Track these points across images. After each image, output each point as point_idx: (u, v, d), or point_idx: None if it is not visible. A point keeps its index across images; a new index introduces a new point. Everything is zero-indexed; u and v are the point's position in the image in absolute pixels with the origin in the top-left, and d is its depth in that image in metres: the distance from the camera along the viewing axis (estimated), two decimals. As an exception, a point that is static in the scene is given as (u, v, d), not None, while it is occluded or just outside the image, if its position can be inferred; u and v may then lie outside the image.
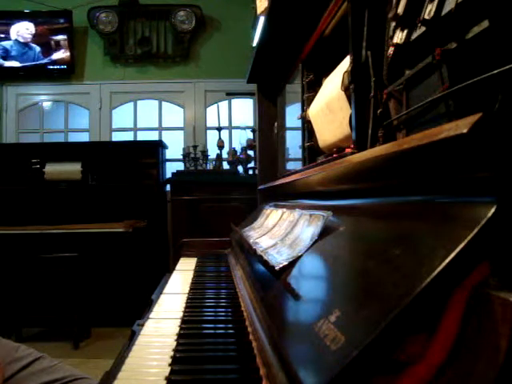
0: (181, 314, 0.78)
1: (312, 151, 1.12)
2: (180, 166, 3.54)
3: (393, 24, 0.58)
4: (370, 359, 0.31)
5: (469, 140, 0.31)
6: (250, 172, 3.33)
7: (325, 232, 0.62)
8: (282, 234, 0.84)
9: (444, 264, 0.30)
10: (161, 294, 0.97)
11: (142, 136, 3.85)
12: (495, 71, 0.37)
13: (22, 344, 0.95)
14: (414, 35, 0.53)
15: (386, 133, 0.62)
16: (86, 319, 2.80)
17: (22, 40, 3.65)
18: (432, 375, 0.30)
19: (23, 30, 3.65)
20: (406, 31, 0.55)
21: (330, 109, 0.89)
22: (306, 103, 1.12)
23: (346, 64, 0.79)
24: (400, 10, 0.56)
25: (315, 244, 0.62)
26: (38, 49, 3.67)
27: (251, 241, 0.95)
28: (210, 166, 3.45)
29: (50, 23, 3.68)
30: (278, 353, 0.46)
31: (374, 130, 0.65)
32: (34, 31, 3.67)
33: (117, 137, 3.86)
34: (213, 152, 3.50)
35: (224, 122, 3.76)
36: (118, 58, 3.77)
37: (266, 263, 0.70)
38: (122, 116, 3.89)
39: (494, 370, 0.26)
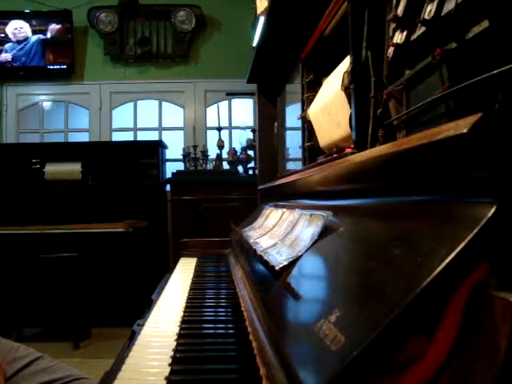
0: (181, 314, 0.78)
1: (312, 151, 1.12)
2: (180, 166, 3.54)
3: (392, 26, 0.58)
4: (370, 359, 0.31)
5: (469, 140, 0.31)
6: (250, 172, 3.33)
7: (325, 232, 0.62)
8: (282, 234, 0.84)
9: (444, 264, 0.30)
10: (161, 293, 0.97)
11: (142, 136, 3.85)
12: (495, 71, 0.37)
13: (21, 344, 0.95)
14: (414, 35, 0.53)
15: (386, 133, 0.62)
16: (86, 319, 2.80)
17: (14, 39, 3.65)
18: (432, 375, 0.30)
19: (17, 28, 3.65)
20: (405, 32, 0.55)
21: (330, 109, 0.89)
22: (306, 103, 1.12)
23: (345, 64, 0.79)
24: (399, 11, 0.56)
25: (315, 244, 0.62)
26: (35, 43, 3.67)
27: (251, 241, 0.95)
28: (210, 166, 3.45)
29: (49, 23, 3.68)
30: (278, 353, 0.46)
31: (374, 130, 0.65)
32: (27, 29, 3.66)
33: (117, 137, 3.86)
34: (213, 152, 3.50)
35: (224, 122, 3.76)
36: (118, 58, 3.77)
37: (266, 263, 0.70)
38: (122, 116, 3.89)
39: (494, 370, 0.26)
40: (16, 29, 3.65)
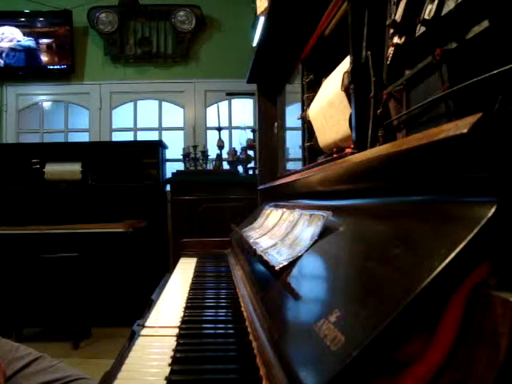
0: (181, 314, 0.78)
1: (312, 151, 1.12)
2: (180, 166, 3.54)
3: (390, 31, 0.58)
4: (370, 359, 0.31)
5: (469, 140, 0.31)
6: (250, 172, 3.33)
7: (325, 232, 0.62)
8: (282, 234, 0.84)
9: (444, 264, 0.30)
10: (161, 293, 0.97)
11: (142, 136, 3.85)
12: (495, 71, 0.37)
13: (21, 344, 0.95)
14: (414, 36, 0.53)
15: (386, 133, 0.62)
16: (86, 319, 2.80)
17: (6, 46, 3.64)
18: (432, 375, 0.30)
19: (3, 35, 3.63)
20: (403, 38, 0.55)
21: (329, 109, 0.89)
22: (306, 103, 1.12)
23: (345, 64, 0.79)
24: (397, 16, 0.56)
25: (315, 244, 0.62)
26: (25, 49, 3.66)
27: (251, 241, 0.95)
28: (210, 166, 3.45)
29: (49, 23, 3.68)
30: (278, 353, 0.46)
31: (374, 130, 0.65)
32: (16, 34, 3.64)
33: (117, 137, 3.86)
34: (213, 152, 3.50)
35: (224, 122, 3.76)
36: (118, 58, 3.77)
37: (266, 263, 0.70)
38: (122, 116, 3.89)
39: (494, 370, 0.26)
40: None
